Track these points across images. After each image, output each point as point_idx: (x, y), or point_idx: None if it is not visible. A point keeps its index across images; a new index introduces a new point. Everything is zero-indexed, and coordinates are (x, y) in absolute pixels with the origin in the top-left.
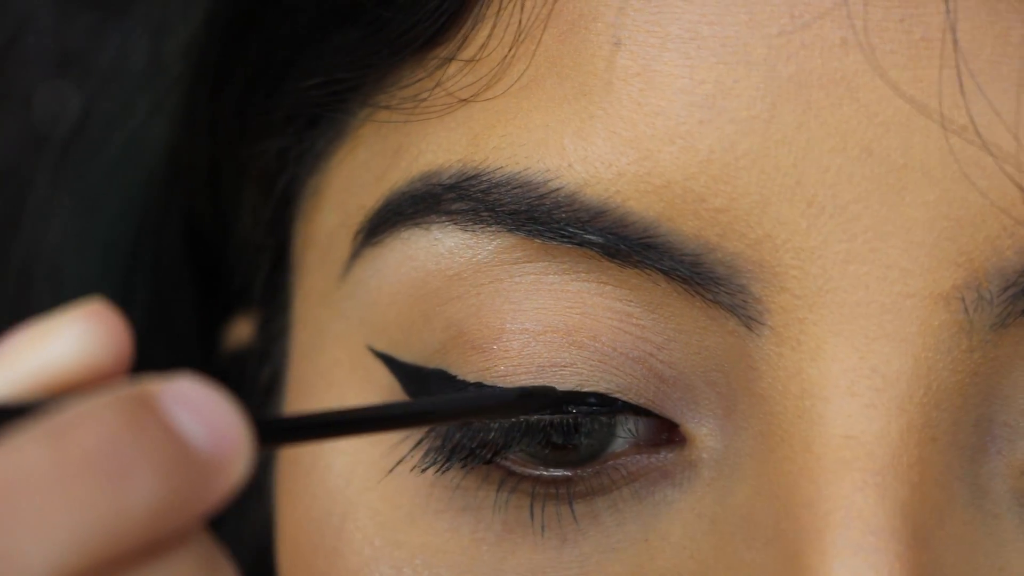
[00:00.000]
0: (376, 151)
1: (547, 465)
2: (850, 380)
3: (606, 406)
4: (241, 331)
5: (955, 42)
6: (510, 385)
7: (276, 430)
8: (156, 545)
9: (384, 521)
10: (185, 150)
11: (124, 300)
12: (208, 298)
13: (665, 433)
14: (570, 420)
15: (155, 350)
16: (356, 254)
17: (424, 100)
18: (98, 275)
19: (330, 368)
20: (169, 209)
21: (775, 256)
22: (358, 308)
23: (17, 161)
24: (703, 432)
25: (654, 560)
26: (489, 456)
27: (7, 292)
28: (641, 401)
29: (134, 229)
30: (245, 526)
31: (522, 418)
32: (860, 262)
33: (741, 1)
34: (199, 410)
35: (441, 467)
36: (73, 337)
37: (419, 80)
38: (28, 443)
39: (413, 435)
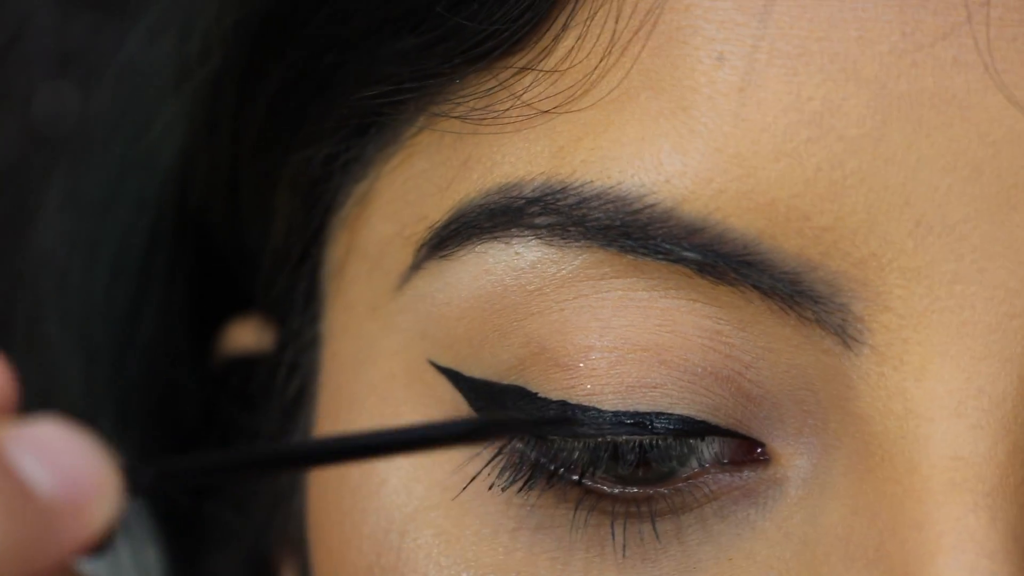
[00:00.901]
0: (438, 161)
1: (625, 484)
2: (957, 401)
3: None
4: (242, 335)
5: None
6: (596, 405)
7: (158, 475)
8: None
9: (451, 540)
10: (201, 154)
11: (133, 305)
12: (209, 301)
13: (749, 452)
14: (659, 441)
15: (162, 356)
16: (418, 266)
17: (498, 111)
18: (106, 280)
19: (383, 382)
20: (179, 214)
21: (880, 276)
22: (419, 321)
23: (17, 161)
24: (789, 451)
25: None
26: (576, 478)
27: (10, 294)
28: (729, 422)
29: (144, 234)
30: (260, 543)
31: (609, 438)
32: (967, 282)
33: (852, 18)
34: (50, 456)
35: (523, 485)
36: None
37: (491, 90)
38: None
39: (483, 453)
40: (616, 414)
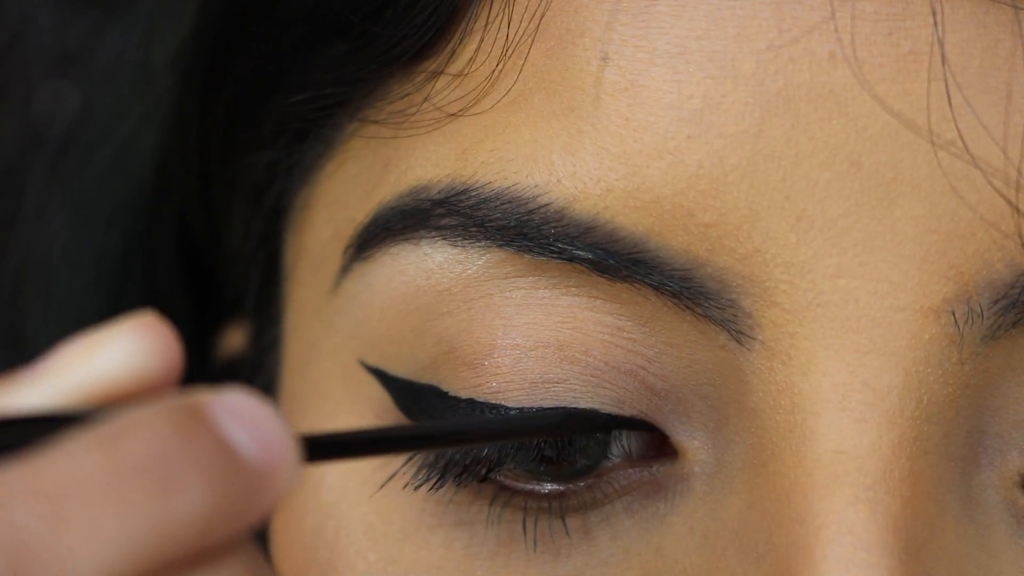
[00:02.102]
0: (365, 165)
1: (539, 480)
2: (841, 394)
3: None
4: (233, 340)
5: (943, 56)
6: (502, 403)
7: (319, 446)
8: (204, 553)
9: (378, 536)
10: (176, 159)
11: (115, 308)
12: (201, 306)
13: (657, 447)
14: (566, 439)
15: None
16: (346, 268)
17: (413, 114)
18: (90, 283)
19: (323, 381)
20: (160, 217)
21: (765, 270)
22: (349, 322)
23: (17, 161)
24: (695, 445)
25: (647, 574)
26: (484, 472)
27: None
28: (634, 414)
29: (125, 237)
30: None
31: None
32: (850, 276)
33: (729, 16)
34: (248, 422)
35: (435, 484)
36: (124, 348)
37: (407, 94)
38: (80, 450)
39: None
40: (521, 411)
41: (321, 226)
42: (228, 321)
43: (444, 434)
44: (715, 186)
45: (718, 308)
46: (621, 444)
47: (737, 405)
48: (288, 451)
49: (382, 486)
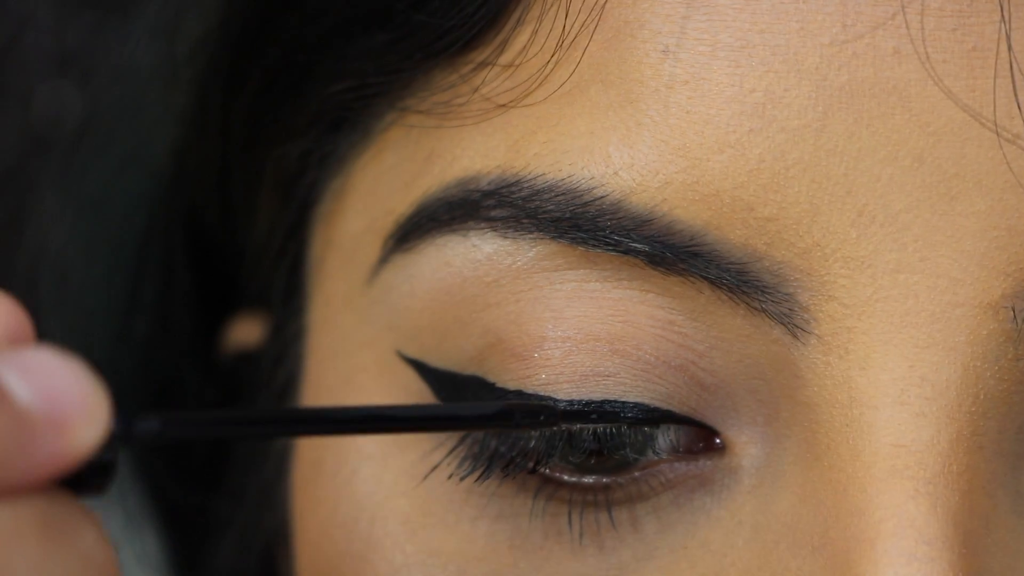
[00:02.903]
0: (405, 155)
1: (583, 473)
2: (900, 389)
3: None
4: (245, 331)
5: (1009, 50)
6: (551, 394)
7: (162, 421)
8: None
9: (416, 528)
10: (193, 152)
11: (130, 301)
12: (208, 298)
13: (704, 441)
14: (613, 429)
15: (160, 351)
16: (385, 259)
17: (459, 105)
18: (104, 277)
19: (356, 373)
20: (175, 211)
21: (824, 265)
22: (387, 313)
23: (17, 161)
24: (743, 440)
25: (694, 568)
26: (532, 465)
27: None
28: (683, 410)
29: (141, 231)
30: (255, 531)
31: (564, 427)
32: (910, 271)
33: (793, 10)
34: (37, 376)
35: (480, 475)
36: None
37: (452, 85)
38: None
39: (446, 442)
40: (571, 403)
41: (354, 217)
42: (237, 313)
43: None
44: (776, 180)
45: (774, 302)
46: (669, 439)
47: (789, 400)
48: (83, 407)
49: (425, 477)
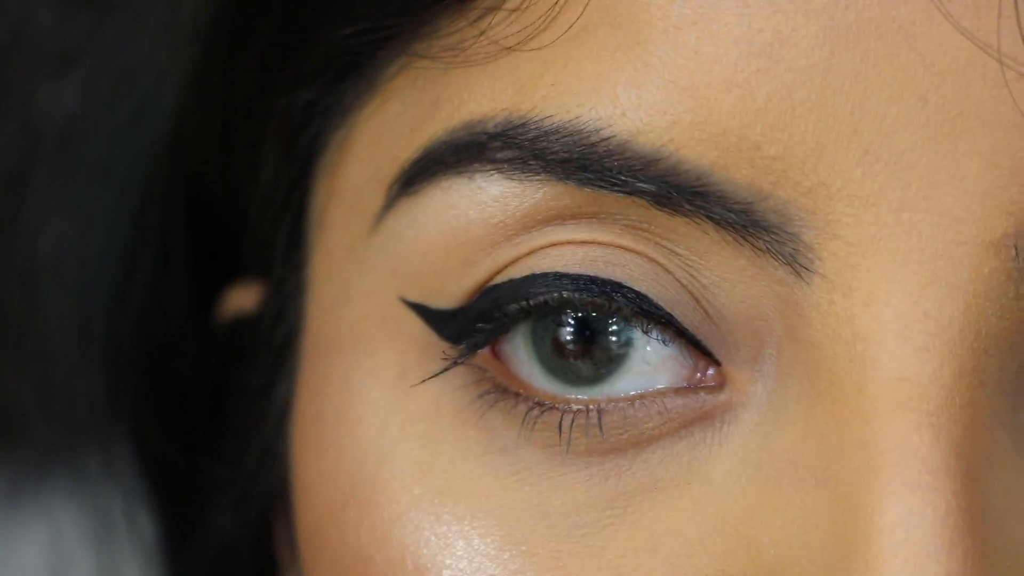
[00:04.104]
0: (411, 103)
1: (577, 383)
2: (903, 324)
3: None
4: (242, 297)
5: None
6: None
7: None
8: None
9: (424, 469)
10: (195, 114)
11: (128, 269)
12: (206, 264)
13: (703, 372)
14: (615, 320)
15: (158, 319)
16: (389, 206)
17: (466, 49)
18: (102, 244)
19: (357, 322)
20: (174, 177)
21: (828, 204)
22: (389, 260)
23: (17, 161)
24: (744, 377)
25: (696, 504)
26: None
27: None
28: (687, 324)
29: (139, 198)
30: (251, 496)
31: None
32: (913, 210)
33: None
34: None
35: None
36: None
37: (459, 29)
38: None
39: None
40: (578, 276)
41: (358, 167)
42: (235, 280)
43: None
44: (783, 119)
45: (779, 242)
46: (669, 346)
47: (791, 338)
48: None
49: (424, 381)
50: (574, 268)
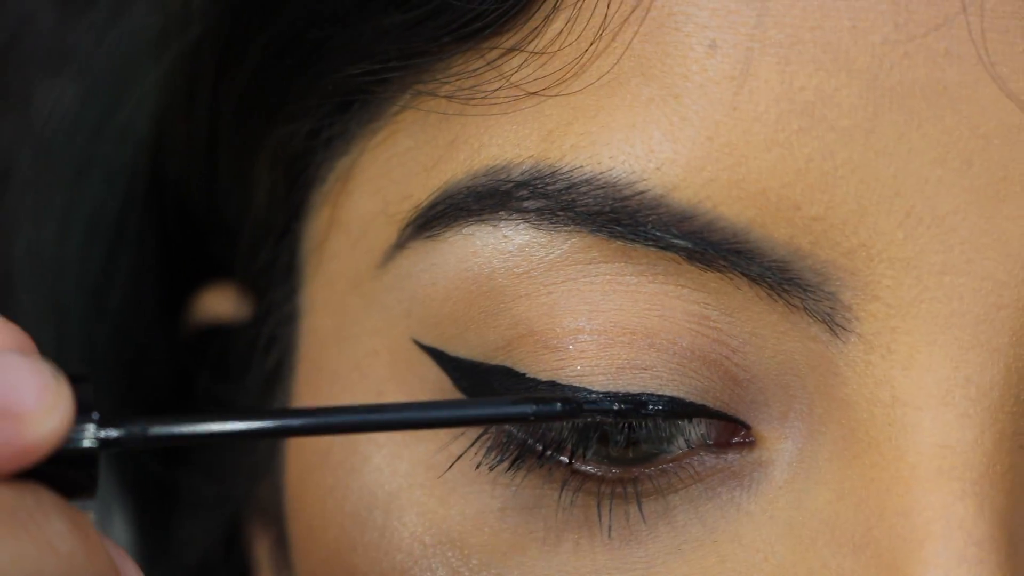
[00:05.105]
0: (424, 139)
1: (612, 464)
2: (944, 390)
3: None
4: (215, 303)
5: None
6: (586, 386)
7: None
8: None
9: (436, 520)
10: (178, 123)
11: (106, 273)
12: (179, 269)
13: (734, 436)
14: (648, 423)
15: (133, 324)
16: (402, 245)
17: (486, 91)
18: (79, 246)
19: (365, 359)
20: (153, 183)
21: (869, 265)
22: (403, 300)
23: (17, 161)
24: (774, 434)
25: (723, 563)
26: (567, 459)
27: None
28: (716, 404)
29: (119, 202)
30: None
31: (599, 419)
32: (956, 273)
33: (845, 7)
34: None
35: (511, 465)
36: None
37: (477, 70)
38: None
39: (468, 432)
40: (607, 395)
41: (364, 199)
42: (203, 284)
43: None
44: (824, 180)
45: (815, 300)
46: (699, 431)
47: (825, 396)
48: (40, 398)
49: (449, 467)
50: (600, 377)
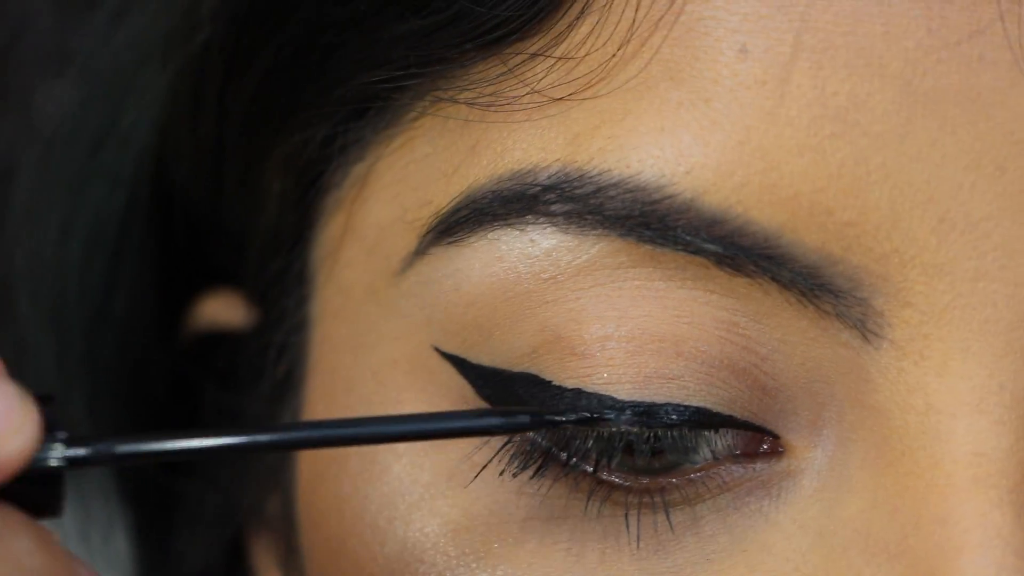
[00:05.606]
0: (442, 146)
1: (637, 474)
2: (979, 397)
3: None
4: (215, 310)
5: None
6: (612, 394)
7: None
8: None
9: (459, 530)
10: (183, 131)
11: (109, 282)
12: (180, 276)
13: (762, 445)
14: (674, 433)
15: (135, 332)
16: (423, 251)
17: (508, 96)
18: (80, 255)
19: (383, 367)
20: (158, 190)
21: (901, 271)
22: (424, 308)
23: (17, 161)
24: (803, 443)
25: (753, 572)
26: (591, 469)
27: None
28: (744, 415)
29: (122, 209)
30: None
31: (624, 428)
32: (989, 279)
33: (878, 12)
34: None
35: (535, 472)
36: None
37: (499, 76)
38: None
39: (492, 441)
40: (633, 404)
41: (381, 206)
42: (201, 291)
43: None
44: (857, 185)
45: (846, 306)
46: (727, 442)
47: (855, 403)
48: (4, 420)
49: (475, 477)
50: (626, 386)
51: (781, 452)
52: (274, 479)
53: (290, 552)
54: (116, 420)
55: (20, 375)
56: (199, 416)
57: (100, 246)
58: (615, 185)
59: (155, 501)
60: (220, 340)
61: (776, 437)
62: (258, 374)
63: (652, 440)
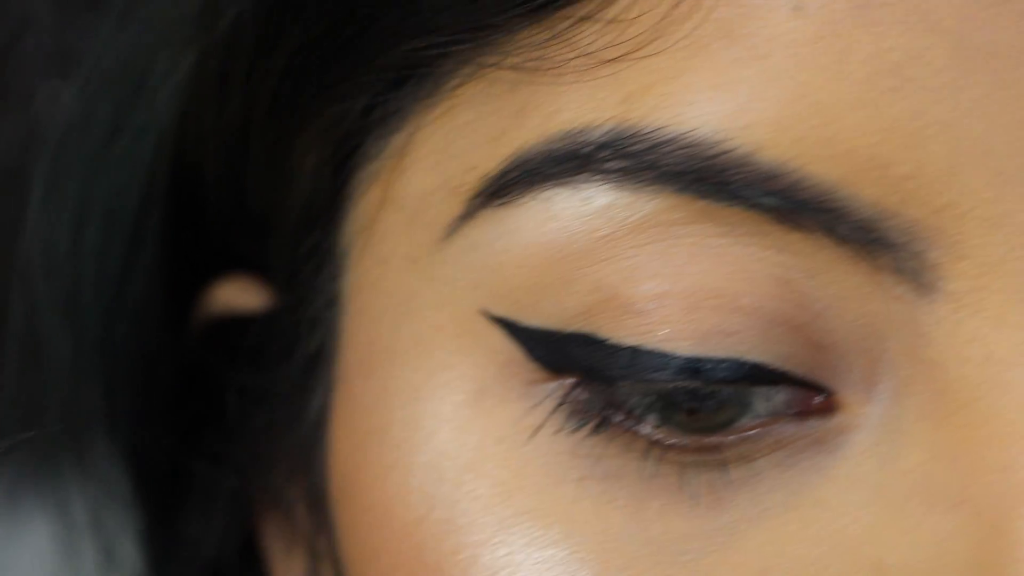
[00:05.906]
0: (487, 111)
1: (686, 431)
2: None
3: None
4: (232, 295)
5: None
6: (671, 351)
7: None
8: None
9: (511, 491)
10: (207, 113)
11: (125, 269)
12: (192, 261)
13: (814, 399)
14: (730, 390)
15: (149, 319)
16: (470, 215)
17: (556, 60)
18: (97, 241)
19: (427, 334)
20: (177, 174)
21: (957, 224)
22: (471, 272)
23: (17, 161)
24: (857, 399)
25: (807, 527)
26: (647, 428)
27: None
28: (800, 371)
29: (140, 194)
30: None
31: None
32: None
33: None
34: None
35: (593, 431)
36: None
37: (545, 40)
38: None
39: (544, 402)
40: (692, 360)
41: (421, 176)
42: (213, 276)
43: None
44: (914, 139)
45: (902, 259)
46: (783, 400)
47: (910, 357)
48: None
49: (531, 436)
50: (685, 343)
51: (835, 408)
52: (304, 457)
53: (319, 530)
54: (131, 405)
55: (36, 364)
56: (216, 400)
57: (116, 234)
58: (671, 141)
59: (166, 484)
60: (239, 324)
61: (831, 394)
62: (288, 352)
63: (708, 397)
